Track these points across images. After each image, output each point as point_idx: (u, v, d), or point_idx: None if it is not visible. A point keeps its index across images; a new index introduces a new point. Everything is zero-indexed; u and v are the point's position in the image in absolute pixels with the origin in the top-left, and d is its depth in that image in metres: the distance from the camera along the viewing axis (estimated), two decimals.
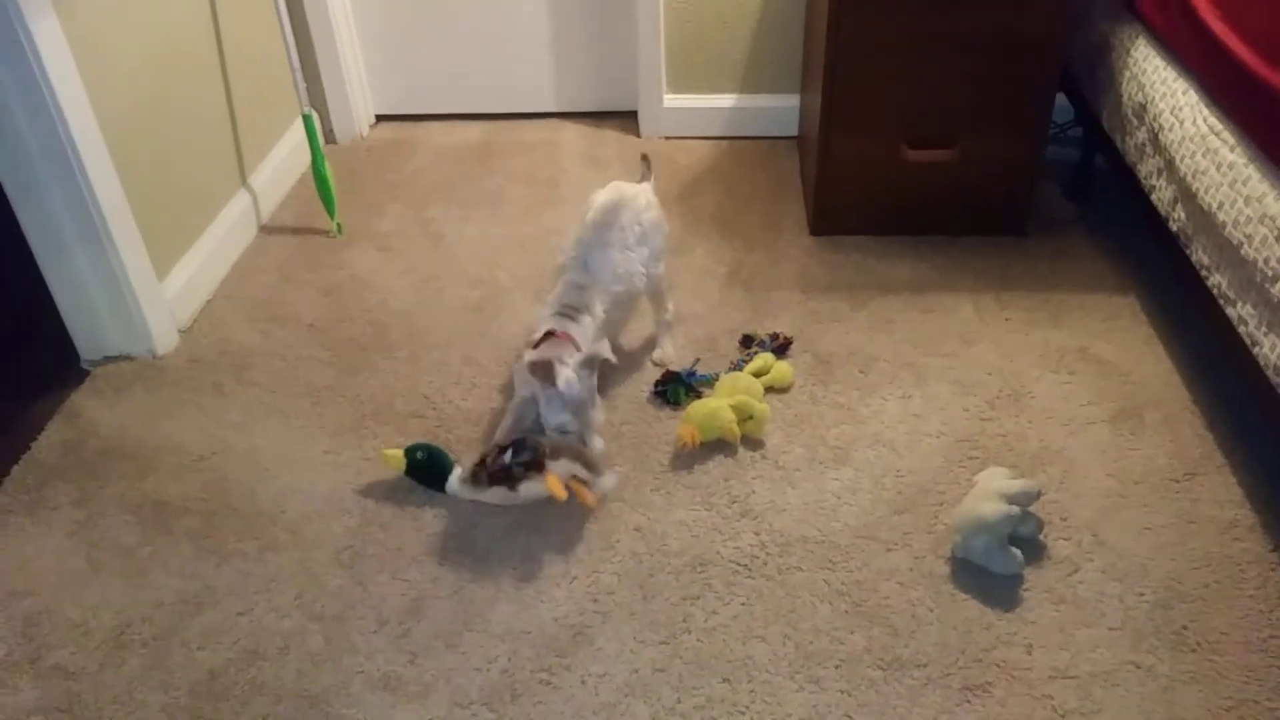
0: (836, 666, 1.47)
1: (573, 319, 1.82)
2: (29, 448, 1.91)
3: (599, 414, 1.82)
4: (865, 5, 2.11)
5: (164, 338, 2.14)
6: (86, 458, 1.89)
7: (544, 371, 1.70)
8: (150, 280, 2.10)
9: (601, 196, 1.97)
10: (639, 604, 1.57)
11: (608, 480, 1.73)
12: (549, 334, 1.79)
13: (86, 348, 2.12)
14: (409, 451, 1.77)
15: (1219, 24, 1.74)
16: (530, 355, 1.74)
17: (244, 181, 2.54)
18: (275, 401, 2.00)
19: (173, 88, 2.22)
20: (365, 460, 1.85)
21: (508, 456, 1.68)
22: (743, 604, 1.57)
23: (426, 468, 1.76)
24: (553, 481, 1.66)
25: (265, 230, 2.57)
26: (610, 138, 2.93)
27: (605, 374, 1.99)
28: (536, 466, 1.68)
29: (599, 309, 1.85)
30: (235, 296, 2.32)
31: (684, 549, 1.66)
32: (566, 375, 1.70)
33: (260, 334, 2.19)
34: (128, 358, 2.12)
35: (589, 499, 1.69)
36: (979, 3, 2.09)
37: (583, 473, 1.70)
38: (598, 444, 1.80)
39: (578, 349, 1.75)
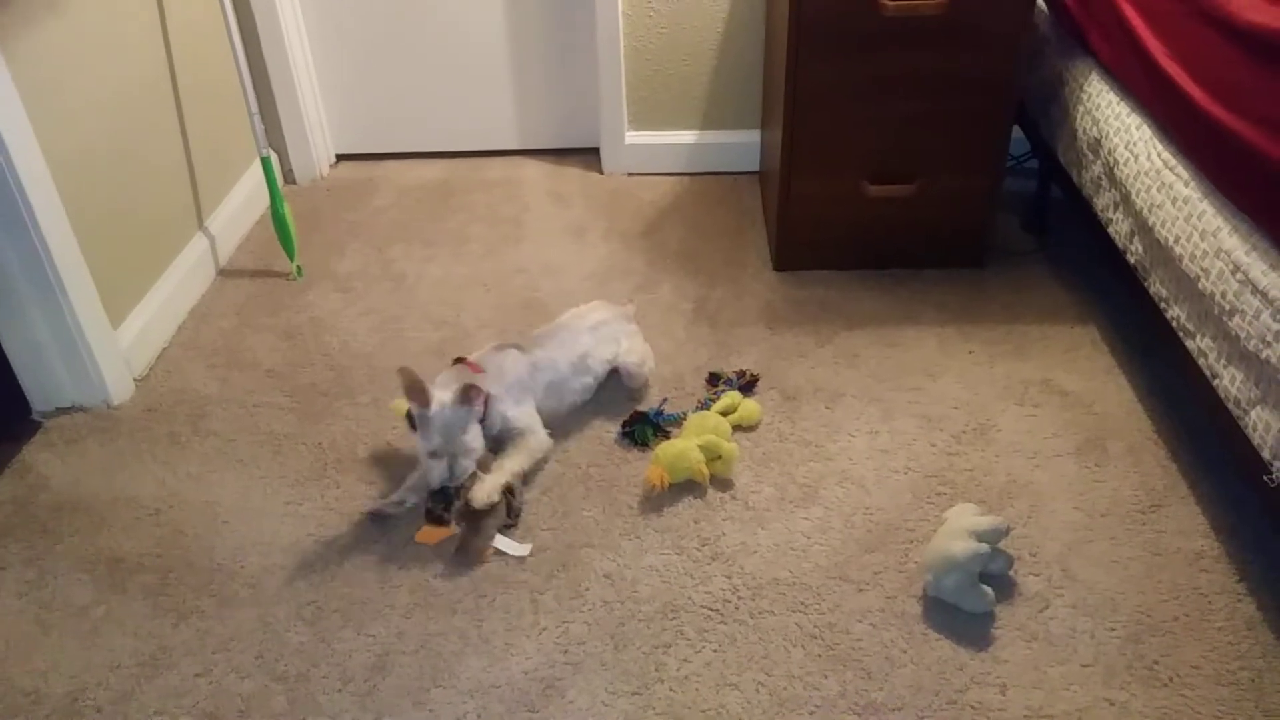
0: (811, 713, 1.45)
1: (510, 349, 1.91)
2: None
3: (470, 462, 1.75)
4: (823, 49, 2.13)
5: (119, 387, 2.09)
6: (37, 514, 1.83)
7: (419, 395, 1.71)
8: (104, 328, 2.05)
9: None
10: (610, 654, 1.55)
11: (515, 549, 1.73)
12: (459, 360, 1.83)
13: (38, 399, 2.06)
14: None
15: (1170, 64, 1.76)
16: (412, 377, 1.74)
17: (201, 225, 2.50)
18: (234, 451, 1.96)
19: (127, 131, 2.19)
20: (328, 510, 1.81)
21: (428, 501, 1.74)
22: (715, 651, 1.55)
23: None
24: (424, 532, 1.73)
25: (223, 274, 2.53)
26: (572, 174, 2.93)
27: (574, 414, 1.98)
28: (447, 508, 1.73)
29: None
30: (192, 343, 2.28)
31: (655, 595, 1.64)
32: (440, 398, 1.71)
33: (218, 381, 2.15)
34: (81, 409, 2.07)
35: (484, 556, 1.72)
36: (934, 44, 2.11)
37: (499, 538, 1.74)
38: (483, 491, 1.73)
39: (476, 385, 1.73)
